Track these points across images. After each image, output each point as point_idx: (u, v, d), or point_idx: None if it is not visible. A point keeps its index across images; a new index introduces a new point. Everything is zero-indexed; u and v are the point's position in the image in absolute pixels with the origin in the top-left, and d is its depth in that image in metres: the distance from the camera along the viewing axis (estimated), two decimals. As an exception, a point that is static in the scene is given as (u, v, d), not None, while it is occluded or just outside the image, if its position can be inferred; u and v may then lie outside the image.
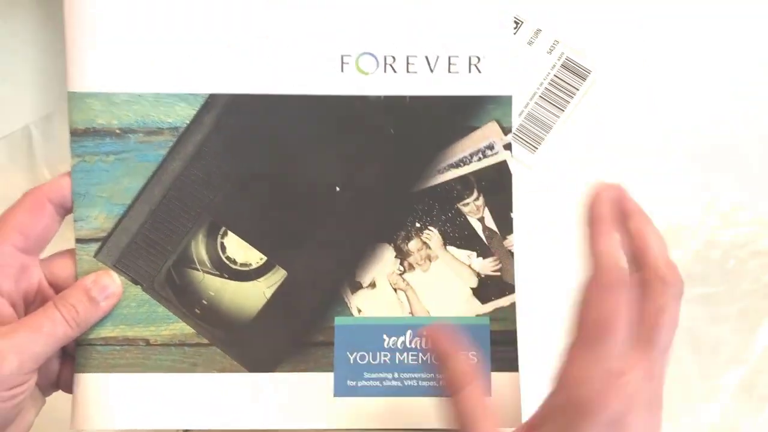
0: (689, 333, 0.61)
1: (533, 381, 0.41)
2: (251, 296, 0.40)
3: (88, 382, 0.40)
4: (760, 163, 0.64)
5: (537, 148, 0.62)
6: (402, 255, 0.41)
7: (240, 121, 0.40)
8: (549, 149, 0.62)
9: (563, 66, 0.64)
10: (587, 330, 0.34)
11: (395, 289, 0.41)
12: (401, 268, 0.41)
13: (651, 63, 0.65)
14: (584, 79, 0.64)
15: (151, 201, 0.40)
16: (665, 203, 0.61)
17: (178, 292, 0.40)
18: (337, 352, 0.40)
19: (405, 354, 0.40)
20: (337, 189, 0.41)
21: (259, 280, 0.40)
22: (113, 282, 0.39)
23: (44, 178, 0.64)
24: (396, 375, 0.40)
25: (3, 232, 0.38)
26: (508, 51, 0.41)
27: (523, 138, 0.62)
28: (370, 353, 0.40)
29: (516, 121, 0.62)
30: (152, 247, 0.40)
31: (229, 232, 0.40)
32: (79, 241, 0.40)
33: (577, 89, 0.64)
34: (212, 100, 0.40)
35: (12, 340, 0.35)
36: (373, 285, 0.41)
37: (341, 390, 0.40)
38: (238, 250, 0.41)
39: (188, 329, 0.40)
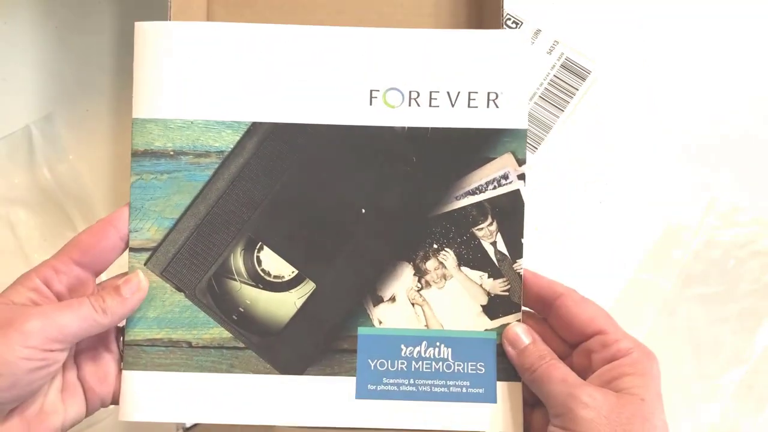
0: (689, 333, 0.62)
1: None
2: (283, 306, 0.44)
3: (135, 378, 0.44)
4: (760, 163, 0.64)
5: (537, 149, 0.65)
6: (420, 273, 0.45)
7: (278, 147, 0.44)
8: (549, 149, 0.65)
9: (563, 66, 0.65)
10: None
11: (413, 304, 0.45)
12: (419, 285, 0.45)
13: (651, 63, 0.66)
14: (584, 79, 0.65)
15: (196, 216, 0.44)
16: (665, 203, 0.64)
17: (218, 300, 0.45)
18: (360, 359, 0.44)
19: (420, 362, 0.44)
20: (363, 211, 0.44)
21: (290, 291, 0.44)
22: (140, 280, 0.43)
23: (44, 177, 0.65)
24: (412, 381, 0.44)
25: (65, 247, 0.42)
26: (524, 88, 0.45)
27: None
28: (389, 361, 0.44)
29: None
30: (195, 258, 0.44)
31: (265, 247, 0.44)
32: (132, 250, 0.44)
33: (577, 89, 0.65)
34: (254, 127, 0.45)
35: (40, 309, 0.39)
36: (393, 299, 0.45)
37: (362, 393, 0.44)
38: (273, 263, 0.44)
39: (226, 334, 0.45)
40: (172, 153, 0.45)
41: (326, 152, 0.45)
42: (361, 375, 0.45)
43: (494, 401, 0.44)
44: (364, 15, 0.61)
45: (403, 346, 0.45)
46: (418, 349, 0.45)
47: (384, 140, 0.45)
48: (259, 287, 0.45)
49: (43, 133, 0.66)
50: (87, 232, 0.42)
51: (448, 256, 0.45)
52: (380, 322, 0.45)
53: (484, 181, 0.45)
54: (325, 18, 0.61)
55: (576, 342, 0.43)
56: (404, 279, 0.45)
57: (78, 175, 0.65)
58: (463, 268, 0.45)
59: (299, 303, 0.44)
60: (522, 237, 0.45)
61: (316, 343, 0.45)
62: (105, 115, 0.66)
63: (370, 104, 0.45)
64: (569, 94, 0.65)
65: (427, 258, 0.45)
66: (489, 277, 0.45)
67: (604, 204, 0.65)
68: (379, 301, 0.45)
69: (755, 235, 0.63)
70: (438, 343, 0.45)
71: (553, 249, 0.64)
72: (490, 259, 0.45)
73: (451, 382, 0.44)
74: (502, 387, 0.45)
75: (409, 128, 0.45)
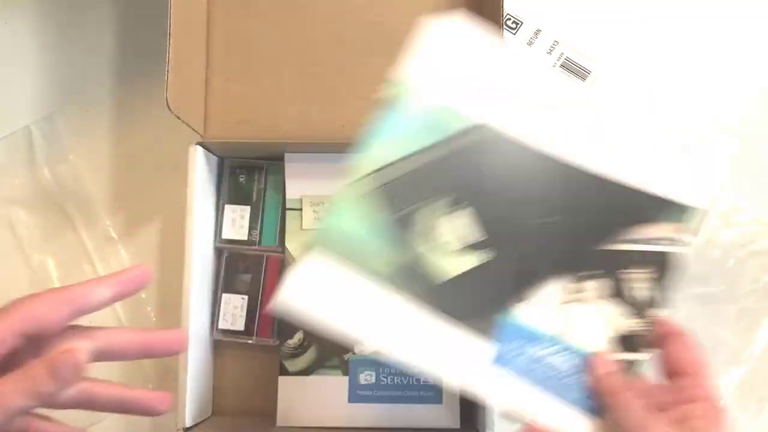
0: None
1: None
2: (455, 263, 0.47)
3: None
4: (760, 163, 0.65)
5: None
6: (571, 291, 0.47)
7: (495, 149, 0.48)
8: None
9: (563, 66, 0.65)
10: None
11: (555, 312, 0.47)
12: (566, 299, 0.47)
13: (651, 63, 0.66)
14: (584, 79, 0.65)
15: (418, 161, 0.47)
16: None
17: (406, 234, 0.47)
18: (497, 339, 0.46)
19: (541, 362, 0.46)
20: (547, 221, 0.48)
21: (467, 255, 0.47)
22: (75, 361, 0.39)
23: (44, 178, 0.65)
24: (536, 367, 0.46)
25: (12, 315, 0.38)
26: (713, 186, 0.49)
27: None
28: (521, 348, 0.46)
29: None
30: (401, 195, 0.47)
31: (462, 210, 0.47)
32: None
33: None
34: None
35: None
36: (539, 302, 0.47)
37: (499, 361, 0.46)
38: (462, 225, 0.47)
39: (404, 264, 0.46)
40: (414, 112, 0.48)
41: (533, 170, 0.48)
42: (501, 350, 0.46)
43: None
44: (364, 15, 0.61)
45: (533, 343, 0.47)
46: (544, 349, 0.47)
47: (581, 180, 0.48)
48: (445, 238, 0.48)
49: (44, 134, 0.66)
50: (39, 302, 0.39)
51: (601, 286, 0.47)
52: (521, 316, 0.47)
53: (653, 236, 0.48)
54: (326, 18, 0.61)
55: (669, 374, 0.45)
56: (556, 289, 0.47)
57: (78, 176, 0.65)
58: (610, 300, 0.47)
59: (469, 267, 0.47)
60: (670, 292, 0.47)
61: (468, 306, 0.47)
62: (105, 116, 0.67)
63: None
64: (569, 94, 0.65)
65: (582, 280, 0.47)
66: (630, 316, 0.47)
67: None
68: (528, 297, 0.47)
69: (755, 235, 0.63)
70: (561, 351, 0.47)
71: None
72: (637, 301, 0.47)
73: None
74: None
75: (603, 176, 0.48)
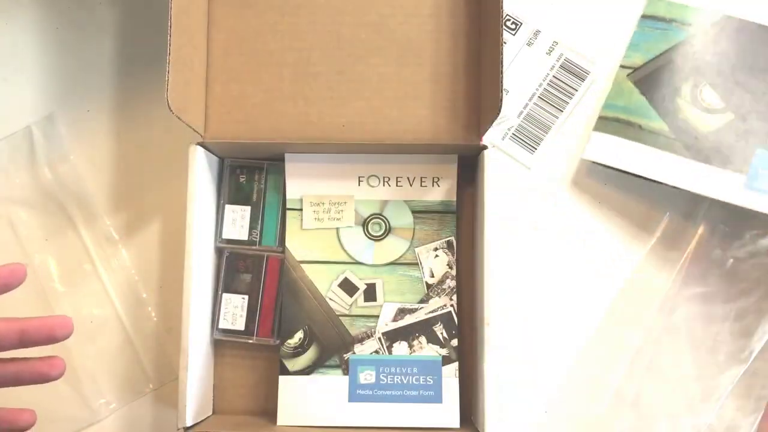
0: (687, 333, 0.62)
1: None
2: (710, 123, 0.63)
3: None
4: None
5: (536, 149, 0.65)
6: None
7: (734, 34, 0.64)
8: (547, 150, 0.65)
9: (562, 67, 0.66)
10: None
11: None
12: None
13: None
14: (583, 79, 0.66)
15: (668, 57, 0.64)
16: (663, 201, 0.64)
17: (668, 107, 0.63)
18: (753, 167, 0.60)
19: None
20: None
21: (716, 115, 0.62)
22: None
23: (45, 178, 0.65)
24: None
25: None
26: None
27: (522, 139, 0.66)
28: None
29: (514, 122, 0.65)
30: (662, 80, 0.64)
31: (707, 86, 0.63)
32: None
33: (576, 90, 0.65)
34: (725, 18, 0.64)
35: None
36: None
37: None
38: (710, 96, 0.63)
39: (666, 128, 0.63)
40: (668, 19, 0.65)
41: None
42: (752, 175, 0.61)
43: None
44: (363, 16, 0.61)
45: None
46: None
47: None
48: (696, 108, 0.63)
49: (44, 134, 0.66)
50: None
51: None
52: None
53: None
54: (326, 18, 0.61)
55: None
56: None
57: (79, 176, 0.66)
58: None
59: (720, 125, 0.62)
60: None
61: (725, 151, 0.62)
62: (105, 115, 0.67)
63: None
64: (568, 94, 0.66)
65: None
66: None
67: (603, 204, 0.65)
68: None
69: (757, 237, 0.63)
70: None
71: (553, 248, 0.64)
72: None
73: None
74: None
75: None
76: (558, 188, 0.65)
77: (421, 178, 0.62)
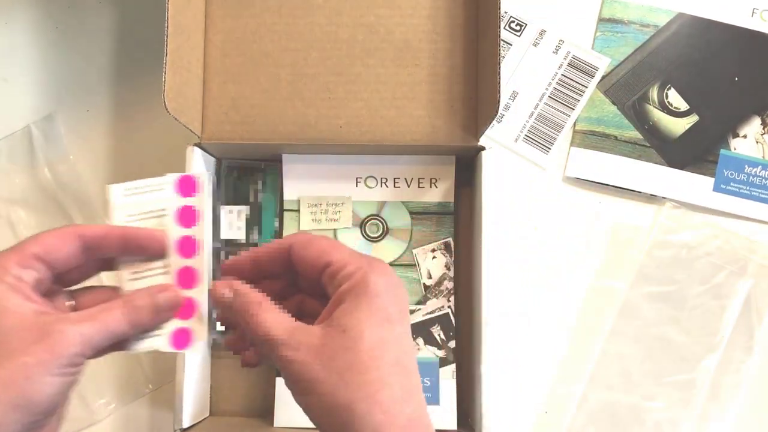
0: (645, 332, 0.62)
1: None
2: (676, 126, 0.66)
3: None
4: None
5: (550, 149, 0.65)
6: (764, 124, 0.65)
7: (689, 31, 0.66)
8: (562, 149, 0.65)
9: (570, 65, 0.66)
10: None
11: (756, 142, 0.65)
12: (763, 131, 0.66)
13: None
14: (592, 75, 0.66)
15: (633, 61, 0.67)
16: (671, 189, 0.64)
17: (637, 114, 0.66)
18: (719, 168, 0.65)
19: (755, 177, 0.65)
20: (736, 79, 0.66)
21: (682, 118, 0.66)
22: (177, 297, 0.40)
23: (45, 178, 0.65)
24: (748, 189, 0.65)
25: (26, 243, 0.38)
26: None
27: (535, 139, 0.65)
28: (737, 173, 0.65)
29: (526, 123, 0.65)
30: (627, 87, 0.66)
31: (672, 89, 0.66)
32: None
33: (586, 87, 0.65)
34: (679, 16, 0.67)
35: (80, 328, 0.36)
36: (744, 136, 0.66)
37: (717, 188, 0.65)
38: (674, 99, 0.66)
39: (639, 136, 0.66)
40: (626, 21, 0.67)
41: (721, 37, 0.67)
42: (718, 177, 0.65)
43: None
44: (361, 17, 0.61)
45: (746, 166, 0.65)
46: (755, 169, 0.65)
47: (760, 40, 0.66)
48: (663, 112, 0.66)
49: (44, 134, 0.66)
50: (52, 234, 0.38)
51: None
52: (735, 149, 0.65)
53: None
54: (323, 20, 0.61)
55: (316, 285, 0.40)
56: (754, 125, 0.66)
57: (78, 176, 0.66)
58: None
59: (687, 127, 0.66)
60: None
61: (694, 154, 0.66)
62: (105, 116, 0.67)
63: (751, 16, 0.66)
64: (578, 92, 0.65)
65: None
66: None
67: (602, 204, 0.65)
68: (736, 136, 0.66)
69: (705, 237, 0.64)
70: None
71: (553, 248, 0.64)
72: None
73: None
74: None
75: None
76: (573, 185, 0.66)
77: (419, 179, 0.61)
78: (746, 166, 0.65)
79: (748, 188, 0.65)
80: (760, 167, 0.65)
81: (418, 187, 0.61)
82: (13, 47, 0.68)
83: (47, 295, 0.38)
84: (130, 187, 0.41)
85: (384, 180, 0.62)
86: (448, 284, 0.60)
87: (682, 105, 0.65)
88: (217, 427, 0.58)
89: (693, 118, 0.65)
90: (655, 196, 0.64)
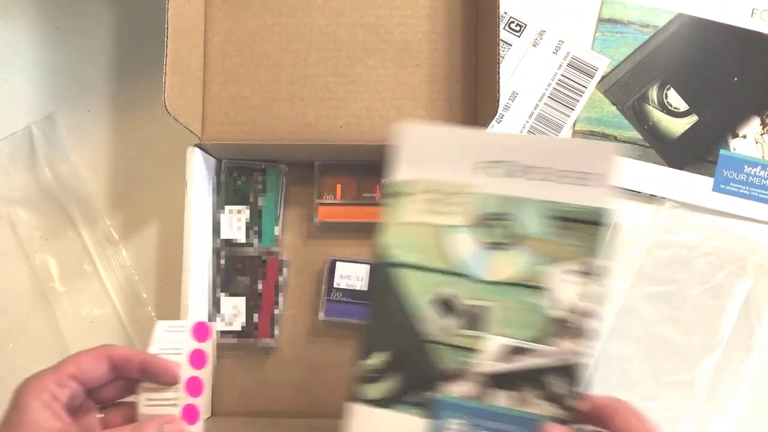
0: (644, 332, 0.62)
1: None
2: (676, 126, 0.67)
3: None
4: None
5: None
6: (764, 124, 0.66)
7: (689, 32, 0.67)
8: None
9: (570, 65, 0.66)
10: None
11: (756, 142, 0.66)
12: (762, 131, 0.66)
13: None
14: (592, 75, 0.66)
15: (633, 62, 0.67)
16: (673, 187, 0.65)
17: (637, 114, 0.67)
18: (718, 168, 0.66)
19: (754, 177, 0.66)
20: (735, 79, 0.67)
21: (682, 118, 0.67)
22: (180, 429, 0.45)
23: (45, 178, 0.65)
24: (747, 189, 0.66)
25: (64, 363, 0.43)
26: None
27: None
28: (736, 173, 0.66)
29: (526, 123, 0.65)
30: (627, 87, 0.67)
31: (672, 89, 0.67)
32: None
33: (586, 87, 0.66)
34: (679, 16, 0.68)
35: None
36: (744, 137, 0.66)
37: (716, 188, 0.66)
38: (674, 99, 0.67)
39: (639, 136, 0.66)
40: (626, 22, 0.68)
41: (721, 37, 0.68)
42: (717, 177, 0.65)
43: None
44: (360, 17, 0.61)
45: (746, 166, 0.66)
46: (754, 169, 0.66)
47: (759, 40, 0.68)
48: (663, 112, 0.66)
49: (44, 134, 0.66)
50: (87, 355, 0.44)
51: None
52: (734, 149, 0.66)
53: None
54: (323, 20, 0.61)
55: None
56: (753, 126, 0.67)
57: (78, 176, 0.66)
58: None
59: (686, 127, 0.66)
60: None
61: (694, 154, 0.66)
62: (105, 116, 0.67)
63: (751, 17, 0.68)
64: (578, 92, 0.66)
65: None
66: None
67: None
68: (735, 136, 0.67)
69: (705, 237, 0.64)
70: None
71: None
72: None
73: None
74: None
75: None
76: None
77: (573, 171, 0.44)
78: (746, 166, 0.66)
79: (747, 188, 0.65)
80: (759, 167, 0.66)
81: (568, 183, 0.44)
82: (14, 47, 0.68)
83: (81, 408, 0.44)
84: (174, 325, 0.48)
85: (520, 168, 0.45)
86: (586, 321, 0.42)
87: (681, 105, 0.66)
88: (218, 427, 0.58)
89: (692, 119, 0.66)
90: (655, 196, 0.65)
